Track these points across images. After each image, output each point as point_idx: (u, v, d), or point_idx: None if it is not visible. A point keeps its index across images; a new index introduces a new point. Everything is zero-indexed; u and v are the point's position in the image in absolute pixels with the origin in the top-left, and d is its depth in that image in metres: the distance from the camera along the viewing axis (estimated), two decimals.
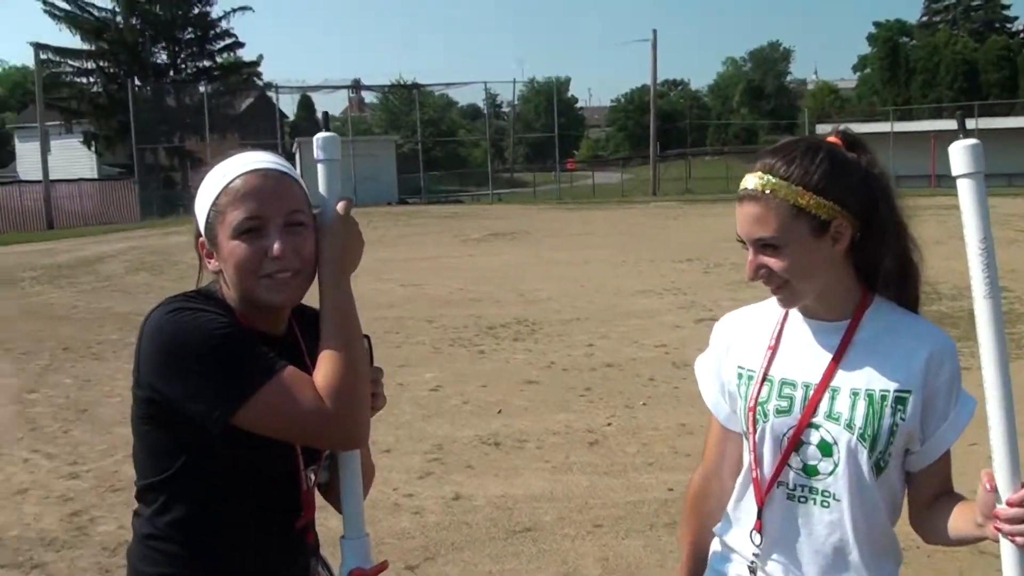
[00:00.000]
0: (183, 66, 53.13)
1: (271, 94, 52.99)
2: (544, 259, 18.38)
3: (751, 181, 1.81)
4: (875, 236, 1.86)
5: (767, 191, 1.78)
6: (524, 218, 30.89)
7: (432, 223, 27.53)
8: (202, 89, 49.46)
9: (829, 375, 1.83)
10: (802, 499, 1.86)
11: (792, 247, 1.77)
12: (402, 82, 60.61)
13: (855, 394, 1.80)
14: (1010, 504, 1.60)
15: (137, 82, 47.91)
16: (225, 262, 1.77)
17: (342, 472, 1.86)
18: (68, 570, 4.84)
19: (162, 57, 52.66)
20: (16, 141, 58.63)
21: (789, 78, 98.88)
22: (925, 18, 72.35)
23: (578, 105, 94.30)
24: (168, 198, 44.90)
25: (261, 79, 56.66)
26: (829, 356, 1.84)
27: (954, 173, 1.64)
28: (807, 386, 1.84)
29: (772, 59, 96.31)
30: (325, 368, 1.72)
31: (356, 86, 60.30)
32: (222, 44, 53.91)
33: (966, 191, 1.64)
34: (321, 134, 1.88)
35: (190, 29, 52.86)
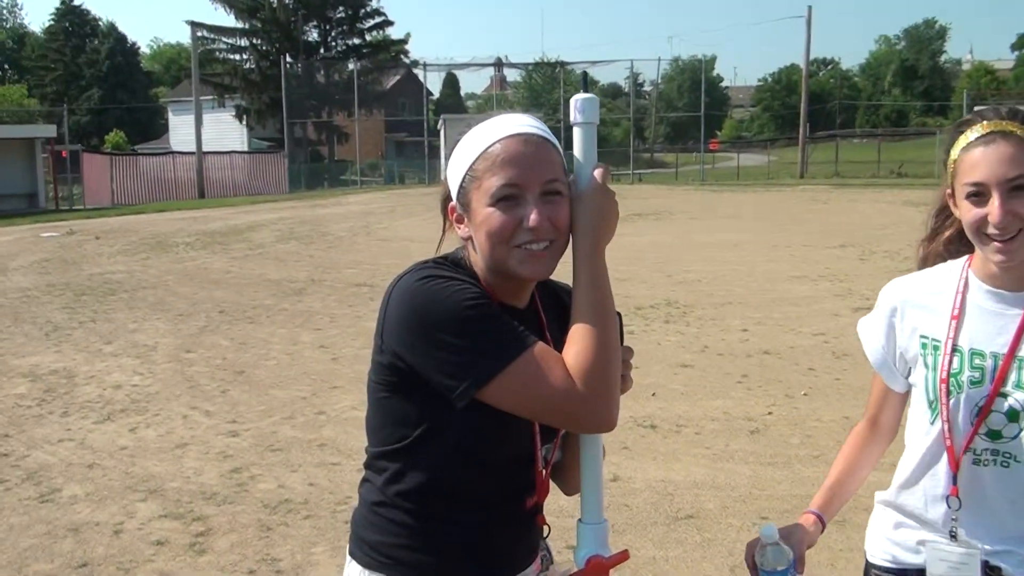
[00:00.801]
0: (333, 44, 54.50)
1: (418, 71, 53.74)
2: (691, 241, 17.99)
3: (1003, 125, 1.82)
4: None
5: (1013, 130, 1.80)
6: (667, 198, 30.47)
7: None
8: (351, 66, 50.52)
9: (1016, 345, 1.86)
10: (985, 463, 1.90)
11: None
12: (546, 60, 60.53)
13: None
14: None
15: (288, 59, 49.36)
16: (478, 229, 1.68)
17: (583, 455, 1.75)
18: (229, 524, 4.88)
19: (313, 35, 54.17)
20: (170, 114, 61.16)
21: (944, 58, 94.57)
22: None
23: (723, 84, 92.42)
24: (315, 171, 46.16)
25: (408, 57, 57.60)
26: (1015, 326, 1.87)
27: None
28: (995, 356, 1.87)
29: (927, 37, 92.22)
30: (577, 346, 1.60)
31: (501, 63, 60.40)
32: (372, 23, 55.11)
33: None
34: (580, 95, 1.76)
35: (341, 8, 54.12)
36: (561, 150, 1.73)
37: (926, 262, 2.10)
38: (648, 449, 6.08)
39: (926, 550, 1.97)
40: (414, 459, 1.71)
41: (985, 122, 1.85)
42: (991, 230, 1.81)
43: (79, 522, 4.95)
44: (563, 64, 55.61)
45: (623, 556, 1.74)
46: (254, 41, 52.80)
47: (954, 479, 1.92)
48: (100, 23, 72.13)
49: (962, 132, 1.88)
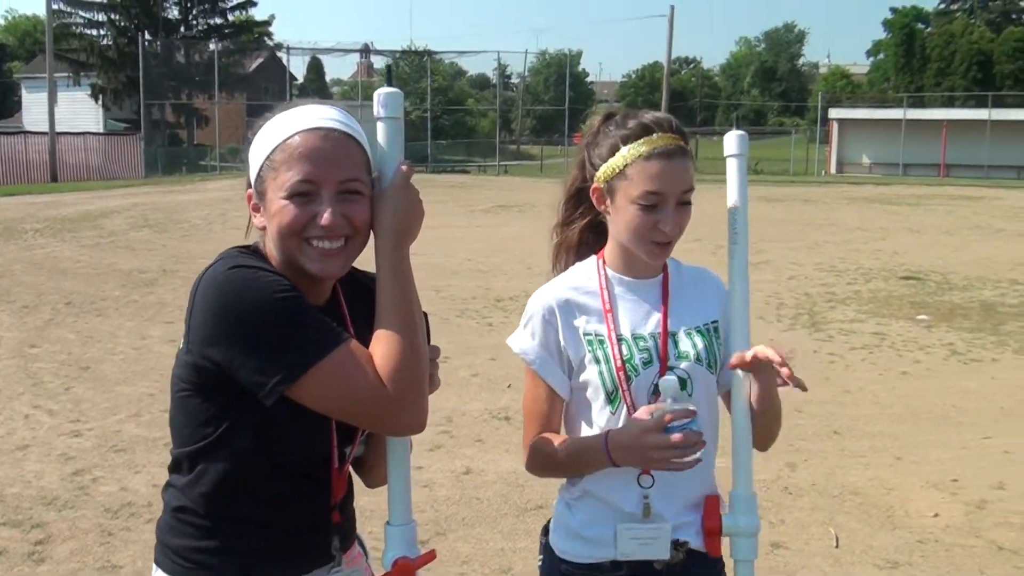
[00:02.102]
0: (194, 22, 52.81)
1: (281, 55, 52.51)
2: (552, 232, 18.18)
3: (678, 140, 2.03)
4: None
5: (686, 149, 2.05)
6: (531, 191, 30.68)
7: (438, 192, 27.28)
8: (212, 47, 49.12)
9: (666, 322, 2.06)
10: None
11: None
12: (413, 48, 60.14)
13: (690, 333, 2.07)
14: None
15: (147, 37, 47.59)
16: (271, 220, 1.66)
17: (390, 456, 1.76)
18: (69, 531, 4.73)
19: (174, 12, 52.35)
20: (23, 91, 58.14)
21: (802, 61, 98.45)
22: (942, 5, 71.69)
23: (588, 79, 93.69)
24: (173, 155, 44.69)
25: (272, 39, 56.39)
26: (659, 306, 2.08)
27: (726, 154, 2.08)
28: (654, 336, 2.05)
29: (786, 40, 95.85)
30: (384, 348, 1.61)
31: (367, 50, 59.75)
32: (234, 2, 53.56)
33: (733, 167, 2.09)
34: (383, 89, 1.74)
35: None
36: (367, 148, 1.70)
37: (560, 249, 2.23)
38: (502, 441, 6.17)
39: (617, 533, 2.04)
40: (213, 460, 1.68)
41: (661, 134, 2.00)
42: (658, 237, 2.00)
43: None
44: (431, 53, 55.42)
45: (430, 556, 1.77)
46: (112, 16, 50.67)
47: None
48: None
49: (625, 132, 2.03)
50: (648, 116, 2.05)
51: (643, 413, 1.93)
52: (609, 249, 2.13)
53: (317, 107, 1.70)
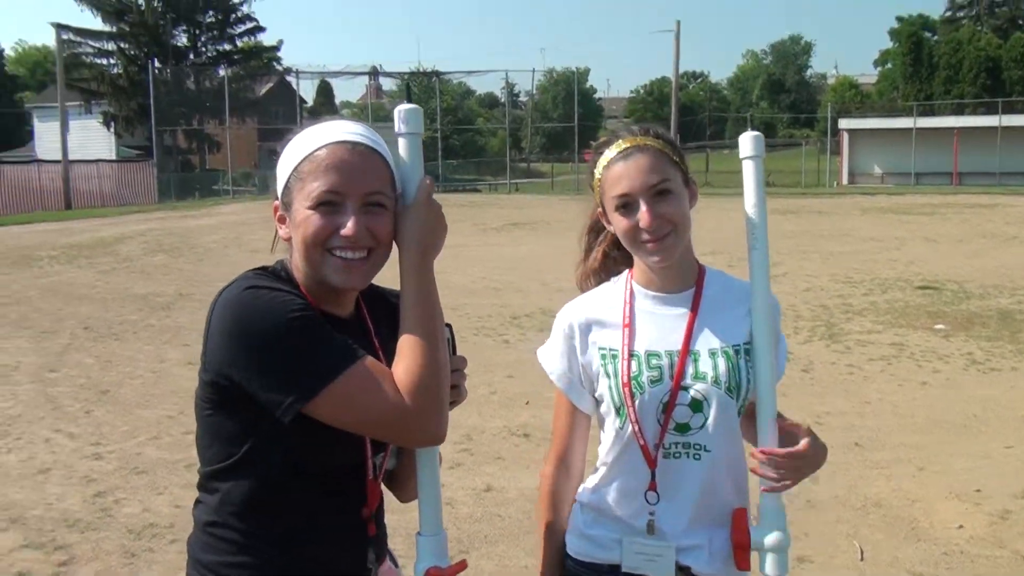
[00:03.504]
0: (203, 49, 53.22)
1: (291, 79, 52.81)
2: (566, 249, 17.93)
3: (637, 140, 2.03)
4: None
5: (648, 144, 2.02)
6: (543, 208, 30.75)
7: (450, 212, 26.67)
8: (222, 73, 49.44)
9: (688, 340, 2.02)
10: (676, 455, 2.03)
11: (677, 193, 2.01)
12: (422, 69, 60.41)
13: (713, 353, 2.01)
14: (763, 453, 1.94)
15: (157, 64, 47.95)
16: (296, 230, 1.68)
17: (419, 467, 1.76)
18: (93, 552, 4.74)
19: (183, 40, 52.78)
20: (35, 121, 58.67)
21: (810, 72, 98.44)
22: (949, 13, 71.57)
23: (596, 96, 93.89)
24: (186, 181, 44.91)
25: (281, 64, 56.65)
26: (684, 324, 2.04)
27: (742, 156, 2.01)
28: (671, 354, 2.02)
29: (793, 53, 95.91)
30: (406, 361, 1.62)
31: (375, 72, 59.96)
32: (243, 28, 54.05)
33: (750, 169, 2.01)
34: (403, 106, 1.77)
35: (211, 12, 52.89)
36: (392, 163, 1.73)
37: (586, 280, 2.24)
38: (522, 458, 6.16)
39: (623, 546, 2.06)
40: (242, 477, 1.69)
41: (621, 140, 2.04)
42: (644, 236, 1.99)
43: None
44: (438, 74, 55.57)
45: (461, 566, 1.77)
46: (122, 45, 51.11)
47: (652, 475, 2.03)
48: None
49: (601, 152, 2.07)
50: (621, 128, 2.11)
51: None
52: (635, 263, 2.14)
53: (344, 122, 1.74)
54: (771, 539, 1.99)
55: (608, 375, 2.05)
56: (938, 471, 5.89)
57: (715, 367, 2.00)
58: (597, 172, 2.07)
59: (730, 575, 2.07)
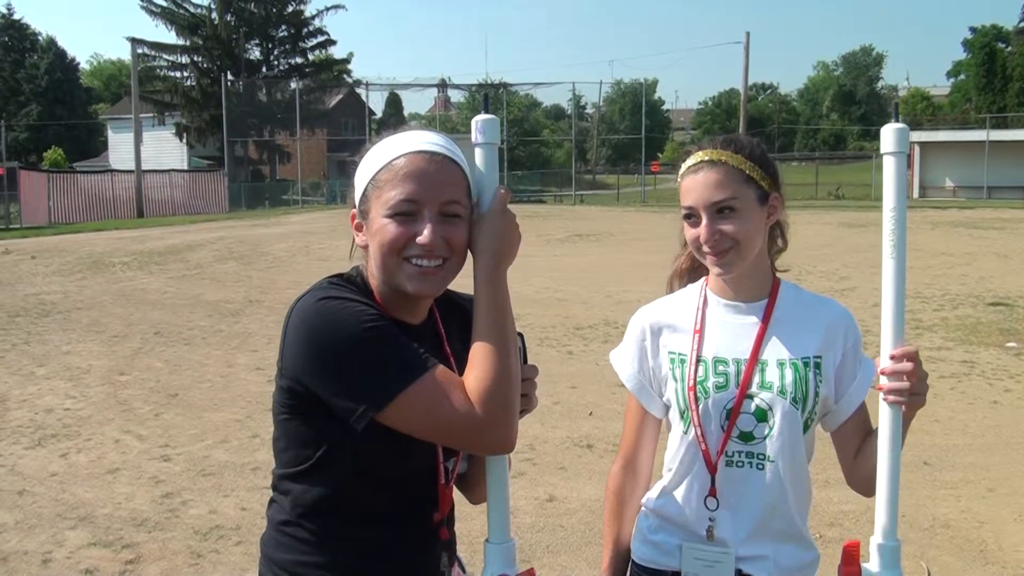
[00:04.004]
0: (275, 62, 54.25)
1: (361, 91, 53.55)
2: (630, 261, 18.17)
3: (712, 154, 2.05)
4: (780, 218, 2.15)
5: (723, 159, 2.03)
6: (608, 219, 30.69)
7: None
8: (293, 85, 50.33)
9: (757, 350, 2.04)
10: (739, 464, 2.04)
11: (744, 211, 2.01)
12: (489, 81, 60.74)
13: (782, 364, 2.03)
14: (892, 358, 1.86)
15: (230, 77, 48.94)
16: (372, 238, 1.70)
17: (489, 475, 1.77)
18: (160, 552, 4.83)
19: (255, 53, 53.89)
20: (109, 132, 60.32)
21: (881, 84, 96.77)
22: (1023, 24, 70.02)
23: (664, 107, 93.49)
24: (256, 191, 45.72)
25: (351, 76, 57.49)
26: (754, 333, 2.06)
27: (883, 151, 1.84)
28: (738, 362, 2.04)
29: (864, 64, 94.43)
30: (477, 370, 1.63)
31: (444, 84, 60.55)
32: (314, 41, 55.03)
33: (890, 166, 1.84)
34: (480, 116, 1.77)
35: (283, 26, 53.91)
36: (468, 174, 1.74)
37: (674, 280, 2.29)
38: (584, 469, 6.14)
39: (682, 551, 2.08)
40: (316, 479, 1.72)
41: (700, 152, 2.07)
42: (704, 248, 2.03)
43: (7, 551, 4.86)
44: (506, 85, 55.88)
45: (529, 574, 1.78)
46: (195, 58, 52.36)
47: (712, 481, 2.05)
48: (40, 38, 70.74)
49: (683, 161, 2.12)
50: (705, 139, 2.14)
51: None
52: (710, 271, 2.16)
53: (422, 132, 1.76)
54: None
55: (676, 379, 2.08)
56: (1008, 492, 5.74)
57: (782, 377, 2.01)
58: (677, 180, 2.12)
59: None
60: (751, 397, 2.02)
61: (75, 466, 6.27)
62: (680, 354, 2.09)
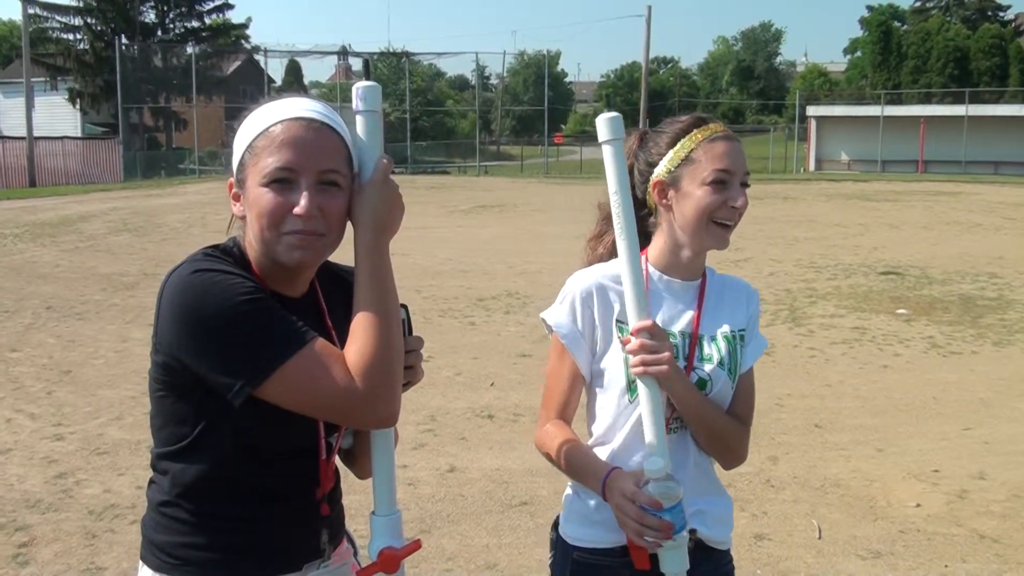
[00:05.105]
0: (171, 26, 52.54)
1: (259, 58, 52.36)
2: (533, 232, 18.26)
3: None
4: None
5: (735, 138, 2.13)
6: (512, 191, 30.75)
7: (418, 193, 27.29)
8: (190, 50, 48.90)
9: (697, 324, 2.13)
10: (675, 430, 2.10)
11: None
12: (391, 50, 60.01)
13: (715, 339, 2.14)
14: (633, 333, 1.98)
15: (124, 40, 47.32)
16: (249, 208, 1.66)
17: (373, 448, 1.75)
18: (53, 533, 4.71)
19: (150, 16, 52.07)
20: (0, 97, 57.84)
21: (779, 59, 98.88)
22: (918, 3, 72.20)
23: (567, 79, 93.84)
24: (152, 159, 44.43)
25: (249, 42, 56.10)
26: (693, 309, 2.15)
27: (600, 139, 1.96)
28: (684, 335, 2.12)
29: (763, 40, 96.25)
30: (358, 343, 1.61)
31: (344, 52, 59.46)
32: (211, 5, 53.31)
33: (609, 153, 1.96)
34: (361, 83, 1.74)
35: None
36: (348, 142, 1.70)
37: (596, 258, 2.28)
38: (485, 439, 6.18)
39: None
40: (195, 458, 1.68)
41: (715, 123, 2.13)
42: (726, 215, 2.08)
43: None
44: (409, 55, 55.16)
45: (415, 546, 1.76)
46: (88, 20, 50.37)
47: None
48: None
49: (684, 130, 2.12)
50: (693, 114, 2.18)
51: (630, 483, 1.93)
52: (657, 247, 2.17)
53: (301, 99, 1.71)
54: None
55: (622, 347, 2.06)
56: (897, 452, 5.98)
57: (719, 350, 2.13)
58: (687, 144, 2.09)
59: (727, 541, 2.21)
60: (695, 369, 2.10)
61: None
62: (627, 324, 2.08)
